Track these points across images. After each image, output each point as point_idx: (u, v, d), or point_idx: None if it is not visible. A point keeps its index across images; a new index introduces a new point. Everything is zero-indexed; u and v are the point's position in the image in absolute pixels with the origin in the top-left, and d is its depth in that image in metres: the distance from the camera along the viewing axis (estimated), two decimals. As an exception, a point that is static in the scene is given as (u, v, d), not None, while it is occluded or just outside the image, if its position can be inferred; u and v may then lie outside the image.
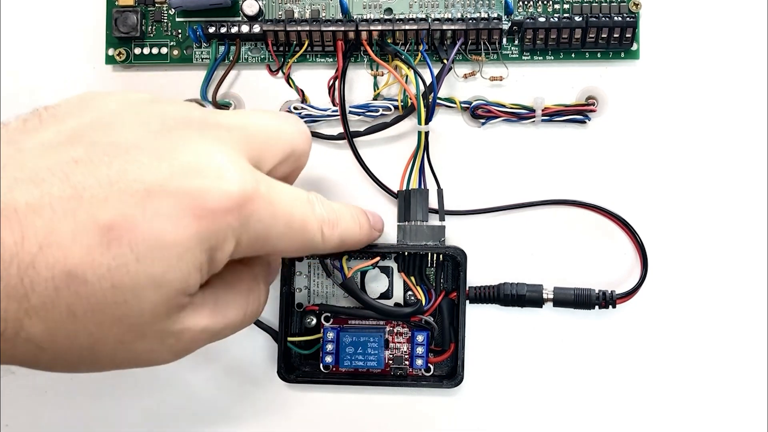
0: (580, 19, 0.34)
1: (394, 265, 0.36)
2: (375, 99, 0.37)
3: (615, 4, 0.35)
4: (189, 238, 0.22)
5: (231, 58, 0.37)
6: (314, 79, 0.37)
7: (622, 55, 0.36)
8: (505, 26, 0.36)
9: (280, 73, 0.37)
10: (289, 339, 0.35)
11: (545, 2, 0.36)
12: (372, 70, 0.37)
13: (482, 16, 0.36)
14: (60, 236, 0.20)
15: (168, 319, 0.23)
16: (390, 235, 0.36)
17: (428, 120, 0.35)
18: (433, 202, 0.36)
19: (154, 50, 0.37)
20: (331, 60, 0.37)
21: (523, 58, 0.36)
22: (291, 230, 0.26)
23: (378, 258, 0.35)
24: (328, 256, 0.33)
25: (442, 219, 0.35)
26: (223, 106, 0.37)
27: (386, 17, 0.36)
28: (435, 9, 0.36)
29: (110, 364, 0.24)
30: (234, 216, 0.23)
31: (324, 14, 0.37)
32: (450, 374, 0.35)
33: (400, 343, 0.36)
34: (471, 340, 0.36)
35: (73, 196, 0.20)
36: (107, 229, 0.20)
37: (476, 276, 0.36)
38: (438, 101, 0.36)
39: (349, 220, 0.30)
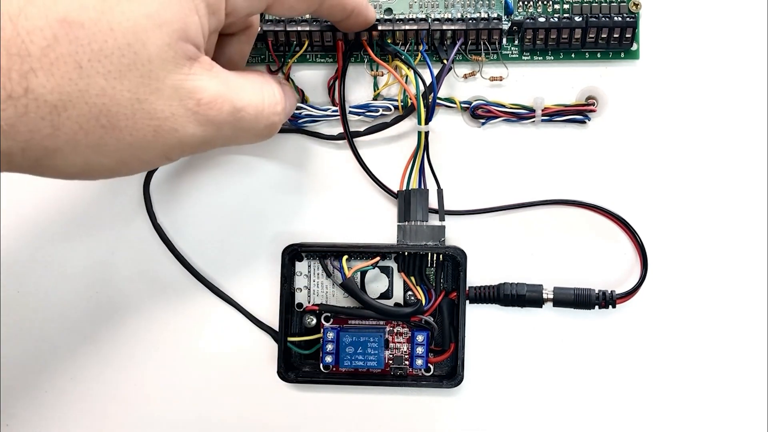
0: (580, 19, 0.34)
1: (394, 265, 0.36)
2: (375, 99, 0.37)
3: (615, 4, 0.35)
4: None
5: (231, 58, 0.37)
6: (314, 79, 0.37)
7: (622, 55, 0.36)
8: (505, 26, 0.36)
9: (280, 73, 0.37)
10: (289, 339, 0.35)
11: (545, 2, 0.36)
12: (372, 70, 0.37)
13: (482, 16, 0.36)
14: None
15: (178, 69, 0.22)
16: (390, 235, 0.36)
17: (428, 120, 0.35)
18: (433, 202, 0.36)
19: (154, 50, 0.37)
20: (331, 60, 0.37)
21: (523, 58, 0.36)
22: None
23: (378, 258, 0.35)
24: (329, 256, 0.33)
25: (442, 219, 0.35)
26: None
27: (386, 17, 0.36)
28: (435, 9, 0.36)
29: (133, 137, 0.22)
30: None
31: (324, 14, 0.37)
32: (450, 374, 0.35)
33: (400, 343, 0.36)
34: (471, 340, 0.36)
35: None
36: None
37: (476, 276, 0.36)
38: (438, 101, 0.36)
39: None
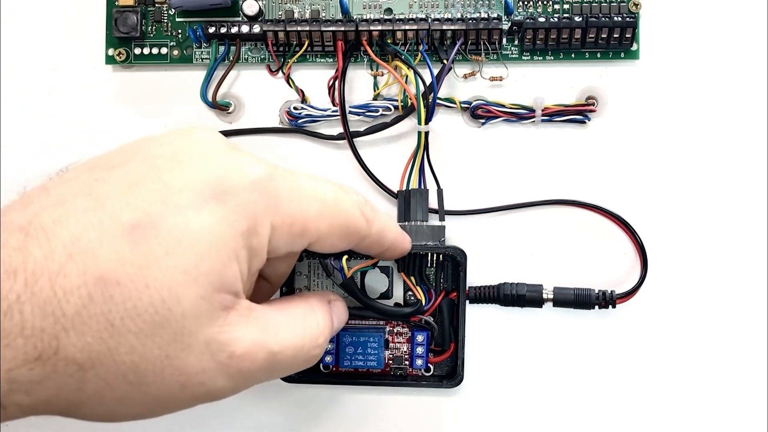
0: (580, 19, 0.34)
1: (394, 265, 0.36)
2: (375, 99, 0.37)
3: (615, 4, 0.35)
4: (216, 222, 0.21)
5: (231, 59, 0.37)
6: (314, 79, 0.37)
7: (622, 55, 0.36)
8: (505, 26, 0.36)
9: (280, 73, 0.37)
10: (289, 339, 0.35)
11: (545, 2, 0.36)
12: (372, 70, 0.37)
13: (482, 16, 0.36)
14: (87, 243, 0.20)
15: (212, 322, 0.21)
16: (390, 235, 0.36)
17: (428, 120, 0.35)
18: (433, 202, 0.36)
19: (154, 50, 0.37)
20: (331, 60, 0.37)
21: (523, 58, 0.36)
22: (327, 206, 0.24)
23: (378, 258, 0.35)
24: (330, 256, 0.33)
25: (442, 219, 0.35)
26: (223, 106, 0.37)
27: (386, 17, 0.36)
28: (435, 9, 0.36)
29: (159, 391, 0.22)
30: (258, 191, 0.22)
31: (324, 14, 0.37)
32: (450, 374, 0.35)
33: (400, 343, 0.36)
34: (471, 340, 0.36)
35: (97, 206, 0.20)
36: (132, 228, 0.20)
37: (476, 276, 0.36)
38: (438, 101, 0.36)
39: (383, 215, 0.28)
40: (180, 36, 0.37)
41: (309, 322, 0.26)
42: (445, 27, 0.35)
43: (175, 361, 0.21)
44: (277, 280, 0.29)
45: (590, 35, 0.35)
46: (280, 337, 0.24)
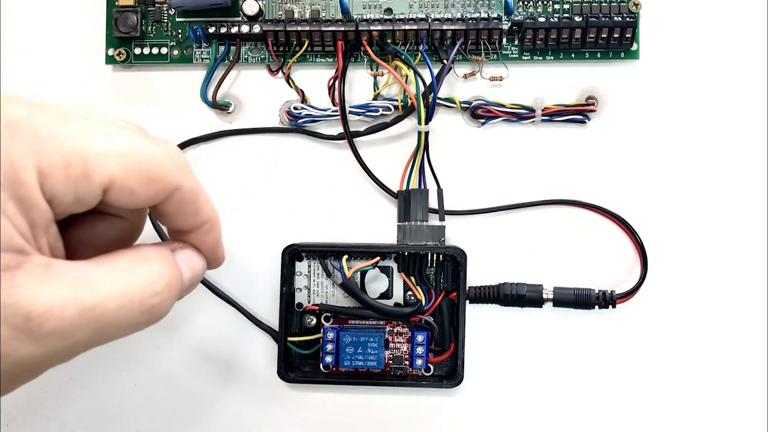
0: (580, 19, 0.34)
1: (394, 265, 0.36)
2: (375, 99, 0.37)
3: (615, 4, 0.35)
4: None
5: (231, 58, 0.37)
6: (314, 79, 0.37)
7: (622, 55, 0.36)
8: (505, 26, 0.36)
9: (280, 73, 0.37)
10: (289, 339, 0.35)
11: (545, 2, 0.36)
12: (372, 70, 0.37)
13: (482, 16, 0.36)
14: None
15: None
16: (390, 235, 0.36)
17: (428, 120, 0.35)
18: (433, 202, 0.36)
19: (154, 50, 0.37)
20: (331, 60, 0.37)
21: (523, 58, 0.36)
22: (113, 144, 0.21)
23: (378, 258, 0.35)
24: (329, 256, 0.33)
25: (442, 219, 0.35)
26: (223, 106, 0.37)
27: (386, 17, 0.36)
28: (435, 9, 0.36)
29: None
30: (11, 134, 0.19)
31: (324, 14, 0.37)
32: (450, 374, 0.35)
33: (400, 343, 0.36)
34: (471, 340, 0.36)
35: None
36: None
37: (476, 276, 0.36)
38: (438, 101, 0.36)
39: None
40: (180, 36, 0.37)
41: (139, 271, 0.22)
42: (445, 27, 0.35)
43: None
44: (122, 237, 0.25)
45: (590, 35, 0.35)
46: (97, 290, 0.21)
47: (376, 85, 0.37)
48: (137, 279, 0.22)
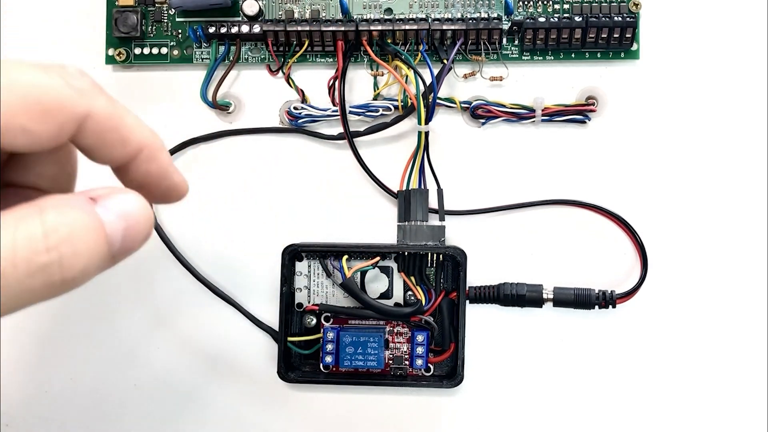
0: (580, 19, 0.34)
1: (394, 265, 0.36)
2: (375, 99, 0.37)
3: (615, 4, 0.35)
4: None
5: (231, 58, 0.37)
6: (314, 79, 0.37)
7: (622, 55, 0.36)
8: (505, 26, 0.36)
9: (280, 73, 0.37)
10: (289, 339, 0.35)
11: (545, 2, 0.36)
12: (372, 70, 0.37)
13: (482, 16, 0.36)
14: None
15: None
16: (390, 235, 0.36)
17: (428, 120, 0.35)
18: (433, 202, 0.36)
19: (154, 50, 0.37)
20: (331, 60, 0.37)
21: (523, 58, 0.36)
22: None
23: (378, 258, 0.35)
24: (328, 256, 0.33)
25: (442, 219, 0.35)
26: (223, 106, 0.37)
27: (386, 17, 0.36)
28: (435, 9, 0.36)
29: None
30: None
31: (324, 14, 0.37)
32: (450, 374, 0.35)
33: (400, 343, 0.36)
34: (471, 340, 0.36)
35: None
36: None
37: (476, 276, 0.36)
38: (438, 101, 0.36)
39: (129, 111, 0.21)
40: (180, 36, 0.37)
41: (25, 224, 0.19)
42: (445, 27, 0.35)
43: None
44: (45, 184, 0.22)
45: (590, 35, 0.35)
46: None
47: (376, 85, 0.37)
48: (20, 233, 0.18)
